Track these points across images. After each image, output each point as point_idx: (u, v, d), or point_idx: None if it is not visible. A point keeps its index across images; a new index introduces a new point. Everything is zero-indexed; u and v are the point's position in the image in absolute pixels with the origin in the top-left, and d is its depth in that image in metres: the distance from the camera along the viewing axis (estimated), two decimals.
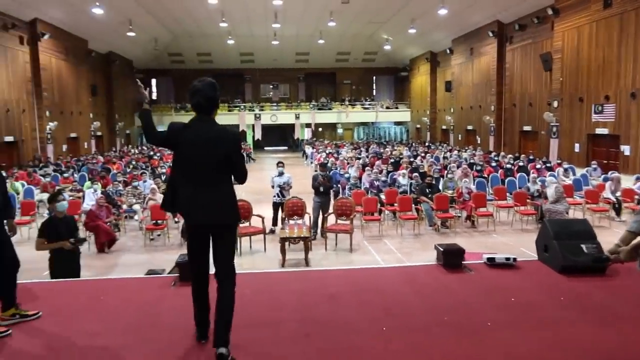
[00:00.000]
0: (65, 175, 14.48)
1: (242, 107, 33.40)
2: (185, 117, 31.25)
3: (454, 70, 25.93)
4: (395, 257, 8.15)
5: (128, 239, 9.68)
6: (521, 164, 14.93)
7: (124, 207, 10.63)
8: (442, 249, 4.42)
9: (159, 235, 9.62)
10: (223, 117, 29.84)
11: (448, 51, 26.10)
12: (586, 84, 15.12)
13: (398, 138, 36.12)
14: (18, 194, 12.00)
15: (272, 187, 9.83)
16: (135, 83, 3.53)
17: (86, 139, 23.95)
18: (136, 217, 10.74)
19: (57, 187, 12.26)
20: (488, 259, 4.40)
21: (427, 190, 10.19)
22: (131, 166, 16.81)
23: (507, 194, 11.28)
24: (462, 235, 9.62)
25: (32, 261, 5.95)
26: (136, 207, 10.95)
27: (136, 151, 24.85)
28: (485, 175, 13.52)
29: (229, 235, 3.15)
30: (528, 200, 10.46)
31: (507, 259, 4.38)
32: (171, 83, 35.57)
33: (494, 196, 11.02)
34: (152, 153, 23.73)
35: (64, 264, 5.37)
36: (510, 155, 17.38)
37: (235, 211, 3.14)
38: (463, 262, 4.43)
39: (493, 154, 18.96)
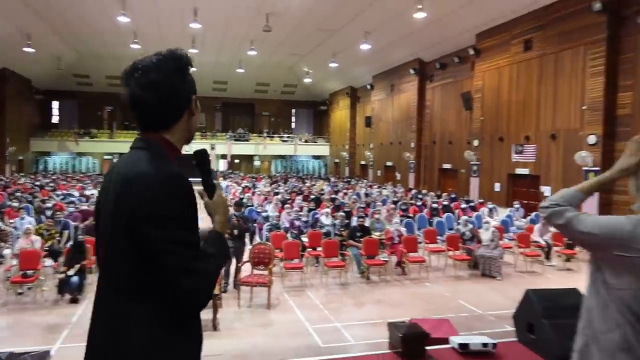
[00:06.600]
0: None
1: None
2: (91, 145, 28.50)
3: (374, 106, 25.80)
4: (321, 315, 6.86)
5: None
6: (445, 203, 14.50)
7: None
8: (399, 334, 3.17)
9: (29, 289, 7.59)
10: (121, 146, 27.40)
11: (369, 87, 26.01)
12: (506, 124, 15.16)
13: (316, 172, 35.46)
14: None
15: None
16: None
17: None
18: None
19: None
20: (460, 344, 3.23)
21: (358, 234, 9.10)
22: (12, 198, 13.95)
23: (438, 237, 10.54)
24: (393, 285, 8.59)
25: None
26: (6, 251, 8.76)
27: (27, 180, 21.55)
28: (411, 215, 12.83)
29: None
30: (460, 245, 9.73)
31: (485, 344, 3.23)
32: (76, 106, 32.39)
33: (424, 239, 10.21)
34: (45, 182, 20.68)
35: None
36: (432, 193, 17.02)
37: None
38: (426, 349, 3.22)
39: (413, 191, 18.56)
